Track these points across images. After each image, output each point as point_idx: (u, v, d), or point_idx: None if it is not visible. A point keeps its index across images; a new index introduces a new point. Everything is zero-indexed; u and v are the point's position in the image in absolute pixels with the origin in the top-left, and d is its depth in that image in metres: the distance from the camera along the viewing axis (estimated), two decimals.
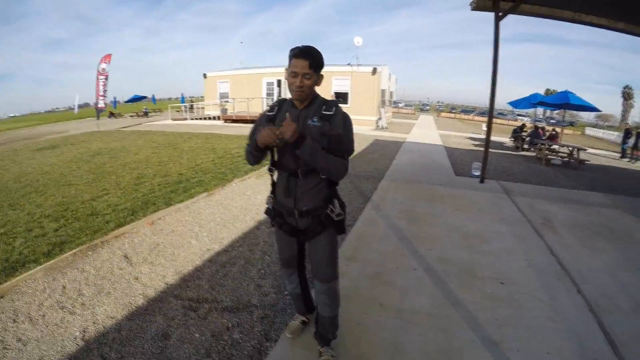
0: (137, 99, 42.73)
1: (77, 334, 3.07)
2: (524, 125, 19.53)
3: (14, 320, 3.24)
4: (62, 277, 4.00)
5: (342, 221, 2.48)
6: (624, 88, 66.97)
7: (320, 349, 2.70)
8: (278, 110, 2.38)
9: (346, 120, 2.30)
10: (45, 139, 19.95)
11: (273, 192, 2.53)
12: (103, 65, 22.23)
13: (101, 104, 23.28)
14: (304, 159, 2.20)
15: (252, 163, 2.39)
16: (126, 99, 47.54)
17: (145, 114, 38.14)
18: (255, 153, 2.30)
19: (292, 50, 2.19)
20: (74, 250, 4.58)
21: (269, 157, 2.43)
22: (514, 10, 8.00)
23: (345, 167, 2.29)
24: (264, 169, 2.36)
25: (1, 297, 3.60)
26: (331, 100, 2.33)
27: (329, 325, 2.66)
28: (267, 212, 2.61)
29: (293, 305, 3.21)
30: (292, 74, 2.18)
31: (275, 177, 2.50)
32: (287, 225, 2.50)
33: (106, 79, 22.52)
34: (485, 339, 2.99)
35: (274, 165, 2.44)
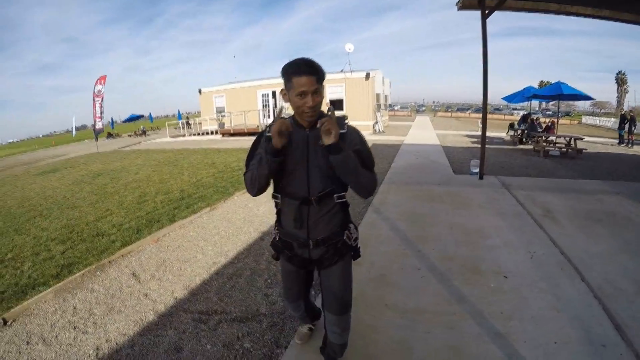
0: (134, 118, 42.93)
1: (91, 352, 3.12)
2: (528, 115, 18.88)
3: (27, 343, 3.30)
4: (73, 297, 4.06)
5: (358, 246, 2.33)
6: (618, 74, 67.16)
7: None
8: None
9: (361, 136, 2.13)
10: (45, 162, 20.07)
11: (278, 221, 2.32)
12: (99, 87, 22.38)
13: (99, 125, 23.42)
14: (341, 168, 1.96)
15: (257, 190, 2.10)
16: (123, 118, 47.77)
17: (143, 132, 38.29)
18: (266, 172, 2.01)
19: (290, 67, 1.91)
20: (82, 271, 4.64)
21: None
22: (499, 7, 8.08)
23: (376, 180, 2.13)
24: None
25: (14, 321, 3.65)
26: (339, 117, 2.06)
27: (339, 351, 2.53)
28: (273, 244, 2.39)
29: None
30: (299, 95, 1.89)
31: (280, 204, 2.23)
32: (297, 258, 2.29)
33: (102, 100, 22.67)
34: (492, 332, 3.02)
35: (279, 192, 2.19)
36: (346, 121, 2.11)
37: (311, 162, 2.05)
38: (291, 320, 3.39)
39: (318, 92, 1.92)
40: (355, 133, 2.10)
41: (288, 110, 2.14)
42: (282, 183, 2.14)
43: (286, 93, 1.98)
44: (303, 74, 1.86)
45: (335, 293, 2.29)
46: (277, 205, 2.25)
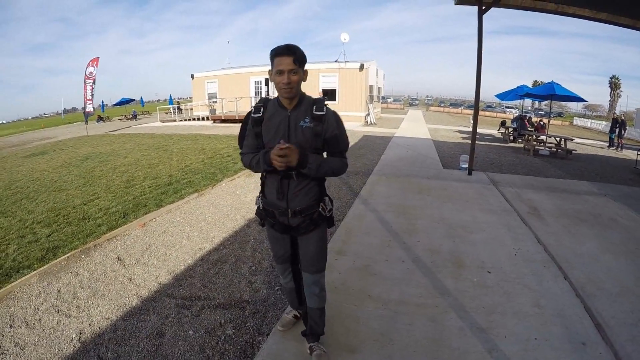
0: (125, 101, 42.44)
1: (74, 336, 3.11)
2: (524, 117, 18.58)
3: (11, 326, 3.28)
4: (57, 281, 4.04)
5: (332, 216, 2.56)
6: (612, 78, 67.44)
7: (311, 345, 2.71)
8: (264, 110, 2.34)
9: (338, 119, 2.36)
10: (34, 145, 19.80)
11: (262, 192, 2.53)
12: (90, 69, 22.07)
13: (89, 108, 23.13)
14: (312, 174, 2.29)
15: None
16: (114, 102, 47.19)
17: (134, 116, 37.92)
18: (261, 171, 2.40)
19: (273, 50, 2.19)
20: (67, 255, 4.61)
21: None
22: (496, 3, 8.09)
23: (346, 164, 2.43)
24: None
25: None
26: (319, 99, 2.35)
27: (319, 318, 2.67)
28: (258, 212, 2.61)
29: (286, 300, 3.28)
30: (277, 73, 2.17)
31: (264, 177, 2.49)
32: (279, 225, 2.49)
33: (94, 82, 22.36)
34: (473, 326, 3.06)
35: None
36: (326, 103, 2.35)
37: (291, 140, 2.25)
38: (274, 308, 3.40)
39: (296, 72, 2.17)
40: (332, 117, 2.33)
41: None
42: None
43: (271, 73, 2.26)
44: (281, 54, 2.15)
45: (311, 256, 2.53)
46: (262, 177, 2.50)
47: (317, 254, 2.53)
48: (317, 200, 2.44)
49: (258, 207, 2.59)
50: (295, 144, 2.17)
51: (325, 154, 2.42)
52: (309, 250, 2.52)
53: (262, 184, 2.52)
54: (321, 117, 2.27)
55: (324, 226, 2.54)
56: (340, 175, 2.44)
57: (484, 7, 8.22)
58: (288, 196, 2.37)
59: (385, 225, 5.25)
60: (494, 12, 8.33)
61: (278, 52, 2.16)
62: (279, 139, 2.18)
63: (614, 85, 66.76)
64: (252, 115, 2.37)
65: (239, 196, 7.04)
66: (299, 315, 3.07)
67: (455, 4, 8.80)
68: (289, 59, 2.13)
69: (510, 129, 17.60)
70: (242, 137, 2.49)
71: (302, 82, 2.27)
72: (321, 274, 2.59)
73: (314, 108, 2.28)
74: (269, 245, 2.92)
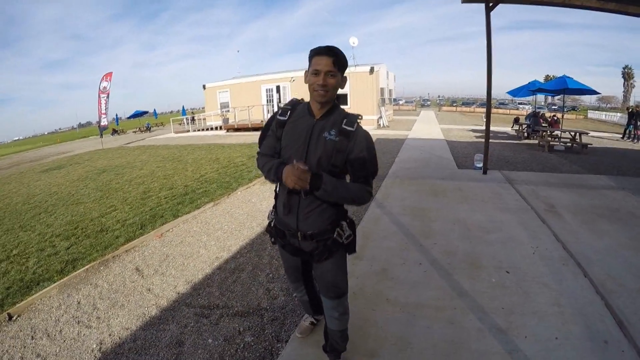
0: (138, 114, 43.03)
1: (94, 346, 3.16)
2: (538, 113, 18.21)
3: (32, 337, 3.35)
4: (77, 293, 4.10)
5: (353, 242, 2.28)
6: (624, 68, 66.61)
7: None
8: (291, 114, 2.15)
9: (369, 141, 2.10)
10: (50, 159, 20.17)
11: (275, 206, 2.34)
12: (104, 84, 22.45)
13: (104, 122, 23.50)
14: (324, 199, 2.04)
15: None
16: (128, 115, 47.84)
17: (148, 128, 38.38)
18: (271, 181, 2.15)
19: (313, 49, 2.02)
20: (86, 267, 4.69)
21: None
22: (503, 0, 8.04)
23: (370, 193, 2.14)
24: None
25: (18, 316, 3.70)
26: (352, 114, 2.11)
27: (340, 339, 2.52)
28: (269, 229, 2.40)
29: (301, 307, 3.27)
30: (313, 73, 1.99)
31: (278, 187, 2.27)
32: (289, 247, 2.30)
33: (108, 96, 22.74)
34: (493, 327, 3.02)
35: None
36: (359, 120, 2.10)
37: (311, 151, 2.05)
38: (292, 314, 3.41)
39: (334, 75, 1.98)
40: (363, 137, 2.07)
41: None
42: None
43: (307, 74, 2.08)
44: (321, 54, 1.98)
45: (328, 282, 2.30)
46: (276, 189, 2.29)
47: (334, 281, 2.30)
48: (333, 223, 2.18)
49: (269, 224, 2.39)
50: (314, 156, 2.03)
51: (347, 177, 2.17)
52: (325, 277, 2.30)
53: (276, 197, 2.31)
54: (349, 133, 2.03)
55: (343, 252, 2.28)
56: (361, 204, 2.17)
57: (491, 4, 8.17)
58: (298, 215, 2.14)
59: (402, 228, 5.23)
60: (501, 8, 8.29)
61: (318, 52, 2.00)
62: (295, 157, 2.02)
63: (627, 75, 65.90)
64: (278, 117, 2.18)
65: (254, 204, 7.07)
66: (315, 322, 3.05)
67: (462, 2, 8.76)
68: (329, 60, 1.96)
69: (524, 126, 17.41)
70: (262, 137, 2.29)
71: (339, 89, 2.09)
72: (341, 299, 2.36)
73: (344, 122, 2.05)
74: None
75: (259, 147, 2.31)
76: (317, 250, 2.20)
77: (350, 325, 2.57)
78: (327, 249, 2.19)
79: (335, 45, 2.02)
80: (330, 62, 1.95)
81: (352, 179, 2.12)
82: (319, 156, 2.03)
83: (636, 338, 2.82)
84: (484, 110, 11.79)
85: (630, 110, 18.74)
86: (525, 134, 16.85)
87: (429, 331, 3.01)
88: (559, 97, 20.86)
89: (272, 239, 2.42)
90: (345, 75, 2.09)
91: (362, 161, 2.05)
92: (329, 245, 2.18)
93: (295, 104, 2.21)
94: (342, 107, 2.14)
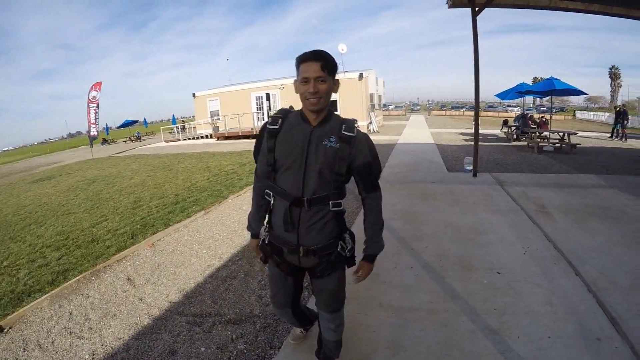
0: (128, 123, 42.80)
1: (87, 357, 3.13)
2: (525, 115, 18.34)
3: (24, 349, 3.31)
4: (68, 303, 4.07)
5: (353, 255, 2.23)
6: (611, 68, 67.30)
7: None
8: (282, 122, 2.00)
9: (371, 144, 2.04)
10: (40, 170, 20.02)
11: (269, 222, 2.17)
12: (94, 93, 22.37)
13: (93, 132, 23.39)
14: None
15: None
16: (118, 124, 47.60)
17: (138, 137, 38.23)
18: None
19: (299, 56, 1.90)
20: (77, 277, 4.64)
21: None
22: (489, 4, 8.13)
23: (381, 194, 2.19)
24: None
25: (10, 328, 3.66)
26: (349, 119, 2.03)
27: (334, 348, 2.48)
28: (263, 247, 2.22)
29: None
30: (303, 81, 1.87)
31: (272, 203, 2.10)
32: (286, 265, 2.16)
33: (97, 106, 22.65)
34: (485, 328, 3.03)
35: (270, 189, 2.07)
36: (356, 125, 2.04)
37: (310, 160, 1.92)
38: (284, 321, 3.39)
39: (324, 80, 1.86)
40: (364, 142, 2.01)
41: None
42: (275, 179, 2.03)
43: (296, 83, 1.96)
44: (308, 60, 1.85)
45: (327, 297, 2.23)
46: (268, 204, 2.12)
47: (334, 295, 2.24)
48: (336, 237, 2.10)
49: (262, 241, 2.21)
50: (313, 165, 1.93)
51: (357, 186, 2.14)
52: (326, 292, 2.22)
53: (269, 212, 2.15)
54: (350, 139, 1.94)
55: (343, 266, 2.22)
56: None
57: (477, 9, 8.26)
58: (299, 229, 2.00)
59: (393, 233, 5.24)
60: (489, 12, 8.39)
61: (304, 58, 1.87)
62: (293, 168, 1.95)
63: (614, 75, 66.62)
64: (268, 126, 2.02)
65: (245, 212, 7.05)
66: (305, 332, 3.01)
67: (449, 7, 8.86)
68: (317, 65, 1.83)
69: (513, 128, 17.55)
70: (257, 150, 2.15)
71: (332, 93, 1.96)
72: (339, 312, 2.32)
73: (343, 127, 1.95)
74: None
75: (255, 160, 2.20)
76: (320, 267, 2.10)
77: (344, 326, 2.56)
78: (330, 264, 2.11)
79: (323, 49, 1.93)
80: (318, 67, 1.83)
81: (362, 186, 2.11)
82: (320, 166, 1.92)
83: (629, 334, 2.84)
84: (473, 113, 11.88)
85: (618, 109, 18.99)
86: (515, 136, 16.99)
87: (422, 334, 3.02)
88: (547, 98, 21.06)
89: (263, 258, 2.25)
90: (336, 78, 1.99)
91: (368, 167, 2.02)
92: (332, 260, 2.11)
93: (286, 112, 2.07)
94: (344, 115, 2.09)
